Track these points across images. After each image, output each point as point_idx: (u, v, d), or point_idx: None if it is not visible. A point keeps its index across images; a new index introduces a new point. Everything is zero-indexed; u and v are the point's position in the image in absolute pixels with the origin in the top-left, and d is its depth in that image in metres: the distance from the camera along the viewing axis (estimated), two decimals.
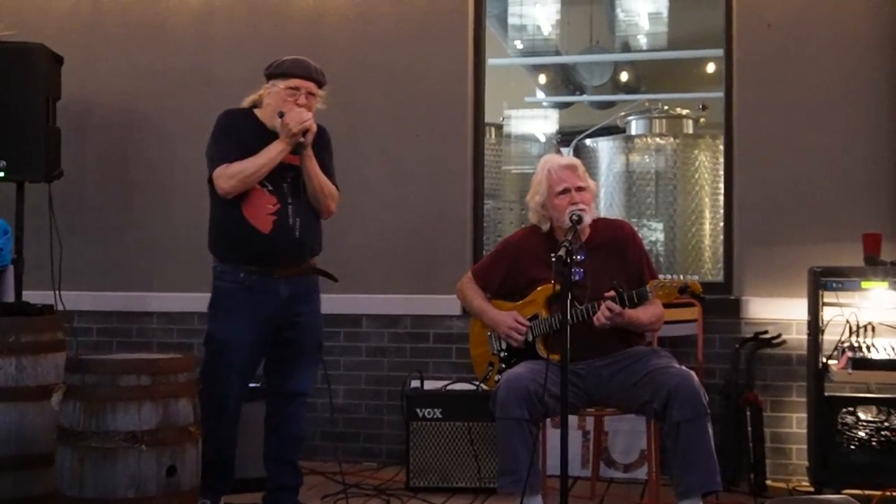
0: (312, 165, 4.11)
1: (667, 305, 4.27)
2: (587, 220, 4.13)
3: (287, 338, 4.17)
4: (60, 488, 3.64)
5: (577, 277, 4.04)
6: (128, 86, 5.93)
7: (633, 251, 4.25)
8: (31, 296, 4.84)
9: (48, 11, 6.02)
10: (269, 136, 4.08)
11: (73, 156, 5.60)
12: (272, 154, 4.02)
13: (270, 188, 4.07)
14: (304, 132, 4.01)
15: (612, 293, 3.97)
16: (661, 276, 4.17)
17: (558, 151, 7.30)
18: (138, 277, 5.79)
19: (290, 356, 4.20)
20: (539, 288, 4.21)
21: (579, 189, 4.19)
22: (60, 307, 4.87)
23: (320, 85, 4.19)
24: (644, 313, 4.13)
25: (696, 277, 3.97)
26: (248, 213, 4.05)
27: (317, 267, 4.26)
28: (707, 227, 6.27)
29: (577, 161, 4.34)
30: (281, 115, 4.02)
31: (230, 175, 3.99)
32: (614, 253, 4.22)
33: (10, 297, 4.93)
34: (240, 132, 4.09)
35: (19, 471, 4.04)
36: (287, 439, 4.24)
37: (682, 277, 3.95)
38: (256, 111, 4.20)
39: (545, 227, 4.29)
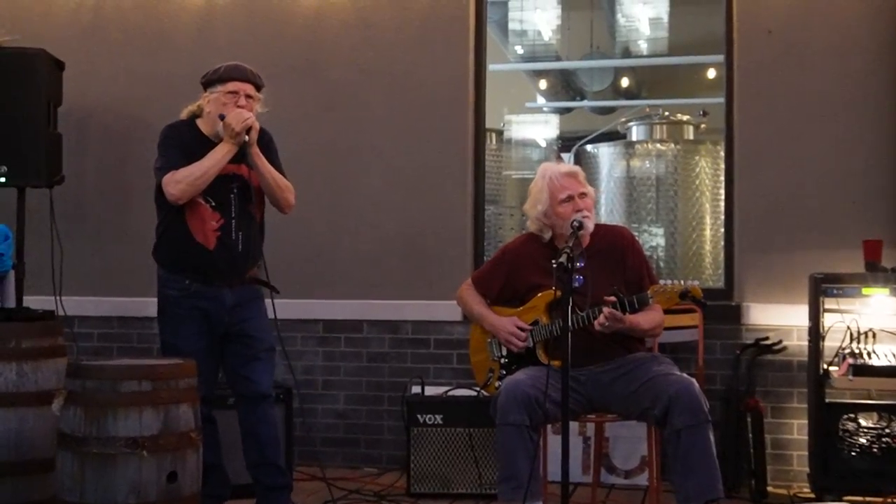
0: (262, 162, 4.16)
1: (667, 311, 4.27)
2: (590, 226, 4.13)
3: (238, 343, 4.23)
4: (60, 494, 3.63)
5: (576, 284, 4.04)
6: (128, 92, 5.93)
7: (632, 257, 4.25)
8: (32, 301, 4.84)
9: (49, 17, 6.02)
10: (212, 145, 4.14)
11: (74, 161, 5.60)
12: (218, 156, 4.08)
13: (214, 204, 4.13)
14: (248, 130, 4.06)
15: (612, 298, 3.97)
16: (661, 282, 4.16)
17: (559, 157, 7.30)
18: (138, 282, 5.75)
19: (244, 361, 4.24)
20: (539, 294, 4.20)
21: (582, 195, 4.19)
22: (61, 312, 4.86)
23: (258, 87, 4.23)
24: (644, 319, 4.12)
25: (696, 283, 3.95)
26: (193, 228, 4.12)
27: (257, 277, 4.30)
28: (708, 233, 6.27)
29: (576, 168, 4.35)
30: (222, 117, 4.08)
31: (178, 180, 4.04)
32: (614, 259, 4.22)
33: (11, 303, 4.93)
34: (184, 143, 4.14)
35: (19, 477, 4.04)
36: (264, 442, 4.26)
37: (682, 283, 3.93)
38: (198, 122, 4.25)
39: (547, 235, 4.28)
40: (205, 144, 4.14)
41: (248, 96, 4.17)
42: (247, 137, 4.06)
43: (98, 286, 5.87)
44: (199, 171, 4.04)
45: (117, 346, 5.86)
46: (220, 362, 4.30)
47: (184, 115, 4.31)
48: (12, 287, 4.97)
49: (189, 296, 4.15)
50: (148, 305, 5.58)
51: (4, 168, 4.96)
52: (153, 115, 5.73)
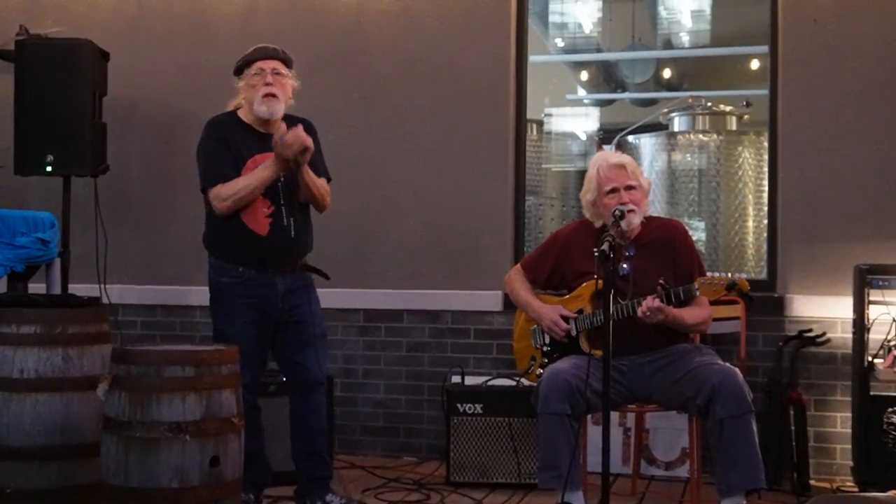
0: (309, 177, 4.19)
1: (710, 302, 4.23)
2: (636, 220, 4.11)
3: (291, 330, 4.26)
4: (105, 478, 3.67)
5: (623, 272, 4.03)
6: (172, 82, 5.98)
7: (683, 252, 4.21)
8: (77, 289, 4.89)
9: (95, 8, 6.08)
10: (254, 133, 4.19)
11: (119, 150, 5.67)
12: (267, 174, 4.10)
13: (263, 191, 4.15)
14: (304, 151, 4.05)
15: (658, 289, 3.94)
16: (708, 274, 4.12)
17: (600, 148, 7.26)
18: (182, 271, 5.82)
19: (297, 348, 4.27)
20: (585, 283, 4.18)
21: (628, 188, 4.15)
22: (105, 300, 4.92)
23: (285, 63, 4.25)
24: (689, 314, 4.08)
25: (744, 276, 3.92)
26: (245, 217, 4.15)
27: (309, 265, 4.33)
28: (750, 224, 6.21)
29: (627, 159, 4.28)
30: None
31: (224, 197, 4.10)
32: (664, 252, 4.18)
33: (57, 290, 4.99)
34: (228, 140, 4.19)
35: (65, 460, 4.08)
36: (313, 432, 4.30)
37: (729, 275, 3.89)
38: (239, 112, 4.29)
39: (598, 223, 4.26)
40: (247, 132, 4.20)
41: (277, 73, 4.19)
42: (300, 158, 4.07)
43: (142, 275, 5.92)
44: (245, 190, 4.09)
45: (160, 334, 5.91)
46: (271, 351, 4.32)
47: (229, 108, 4.35)
48: (58, 274, 5.04)
49: (242, 283, 4.18)
50: (191, 294, 5.68)
51: (50, 157, 5.04)
52: (197, 106, 5.78)
